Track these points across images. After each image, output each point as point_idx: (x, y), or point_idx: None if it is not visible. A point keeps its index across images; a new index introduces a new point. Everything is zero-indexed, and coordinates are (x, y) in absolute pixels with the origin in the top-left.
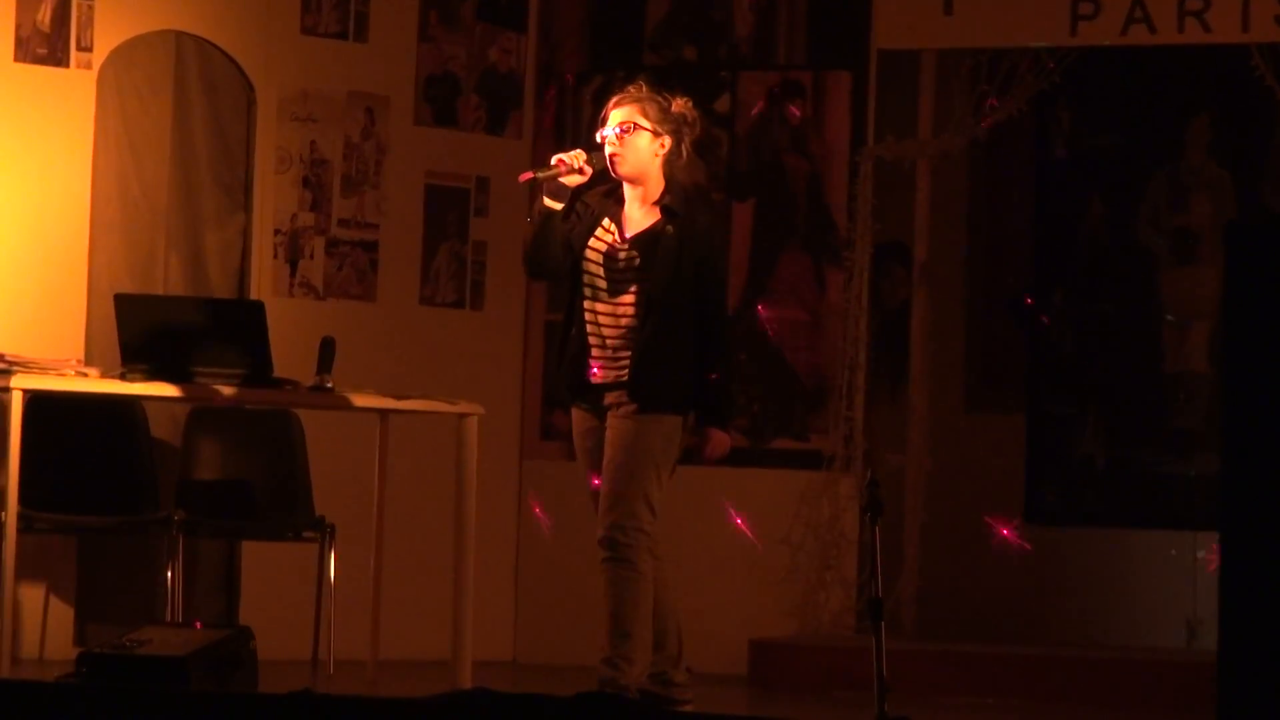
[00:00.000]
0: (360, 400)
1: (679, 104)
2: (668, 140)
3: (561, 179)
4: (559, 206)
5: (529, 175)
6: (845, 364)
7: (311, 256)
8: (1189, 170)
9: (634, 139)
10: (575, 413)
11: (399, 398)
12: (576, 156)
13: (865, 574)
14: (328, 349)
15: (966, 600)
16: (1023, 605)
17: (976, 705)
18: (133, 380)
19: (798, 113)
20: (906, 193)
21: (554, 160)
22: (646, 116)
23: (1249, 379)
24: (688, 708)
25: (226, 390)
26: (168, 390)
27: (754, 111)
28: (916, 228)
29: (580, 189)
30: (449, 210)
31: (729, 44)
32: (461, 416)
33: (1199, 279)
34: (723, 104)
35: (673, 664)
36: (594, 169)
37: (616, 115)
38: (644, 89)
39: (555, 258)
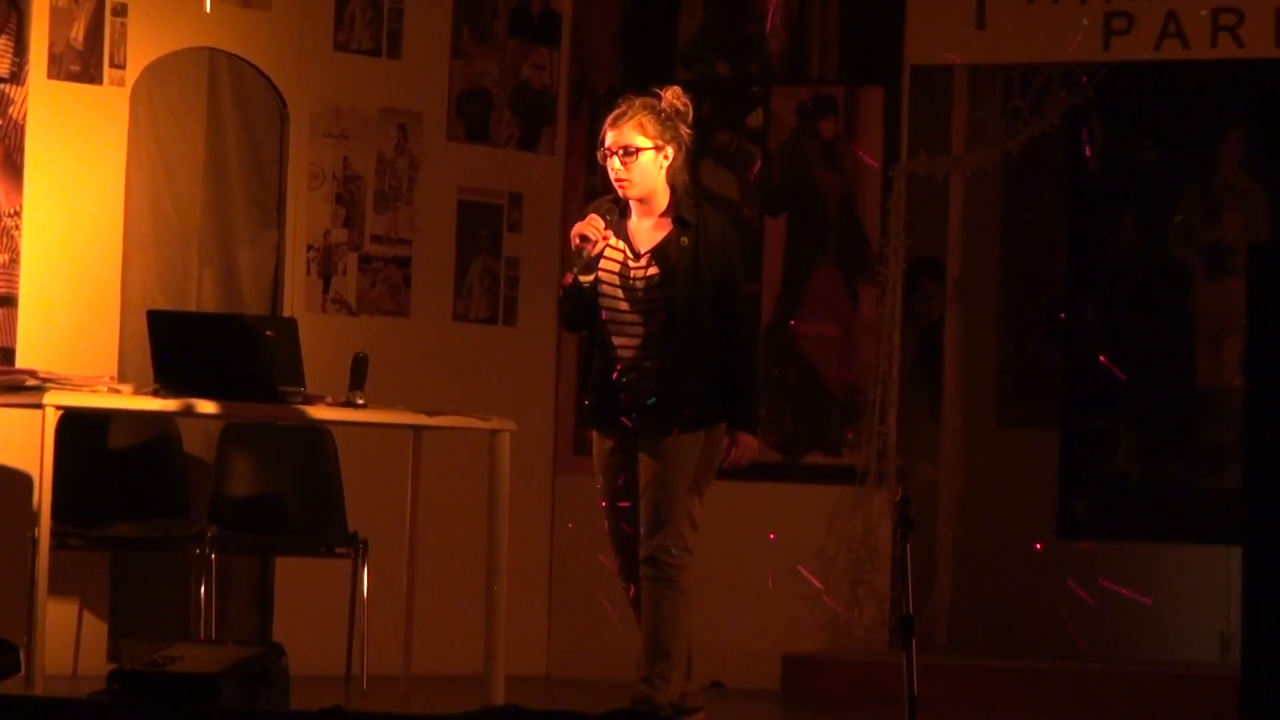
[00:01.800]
0: (393, 416)
1: (668, 97)
2: (670, 149)
3: (591, 255)
4: (591, 278)
5: (570, 278)
6: (878, 379)
7: (344, 272)
8: (1222, 185)
9: (638, 161)
10: (598, 435)
11: (431, 414)
12: (595, 227)
13: (898, 590)
14: (360, 365)
15: (1000, 614)
16: (1056, 620)
17: None
18: (166, 397)
19: (830, 128)
20: (939, 208)
21: (574, 241)
22: (646, 133)
23: (1271, 396)
24: (699, 717)
25: (259, 407)
26: (201, 407)
27: (787, 127)
28: (949, 243)
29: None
30: (482, 226)
31: (762, 59)
32: (494, 432)
33: (1232, 293)
34: (755, 119)
35: (684, 678)
36: (610, 224)
37: (614, 137)
38: (635, 101)
39: (589, 313)
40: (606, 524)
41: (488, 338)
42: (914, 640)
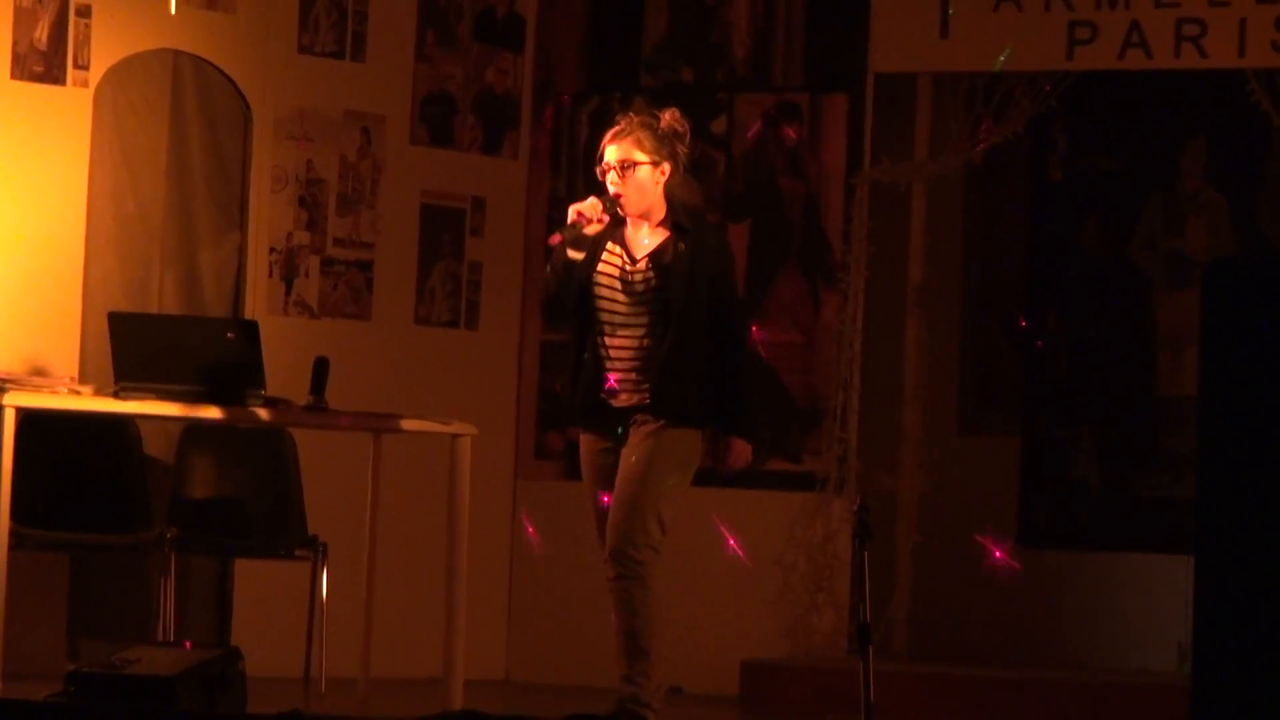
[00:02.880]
0: (353, 420)
1: (667, 118)
2: (667, 165)
3: (584, 230)
4: (581, 256)
5: (558, 238)
6: (839, 385)
7: (307, 275)
8: (1184, 195)
9: (635, 175)
10: (586, 438)
11: (392, 418)
12: (594, 207)
13: (856, 597)
14: (321, 368)
15: (958, 622)
16: (1015, 627)
17: None
18: (126, 398)
19: (794, 135)
20: (902, 215)
21: (571, 214)
22: (643, 149)
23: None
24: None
25: (220, 409)
26: (161, 409)
27: (750, 133)
28: (911, 250)
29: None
30: (444, 230)
31: (726, 66)
32: (455, 436)
33: (1193, 303)
34: (719, 125)
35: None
36: (610, 214)
37: (613, 152)
38: (634, 119)
39: (574, 301)
40: (598, 527)
41: (449, 342)
42: (871, 647)
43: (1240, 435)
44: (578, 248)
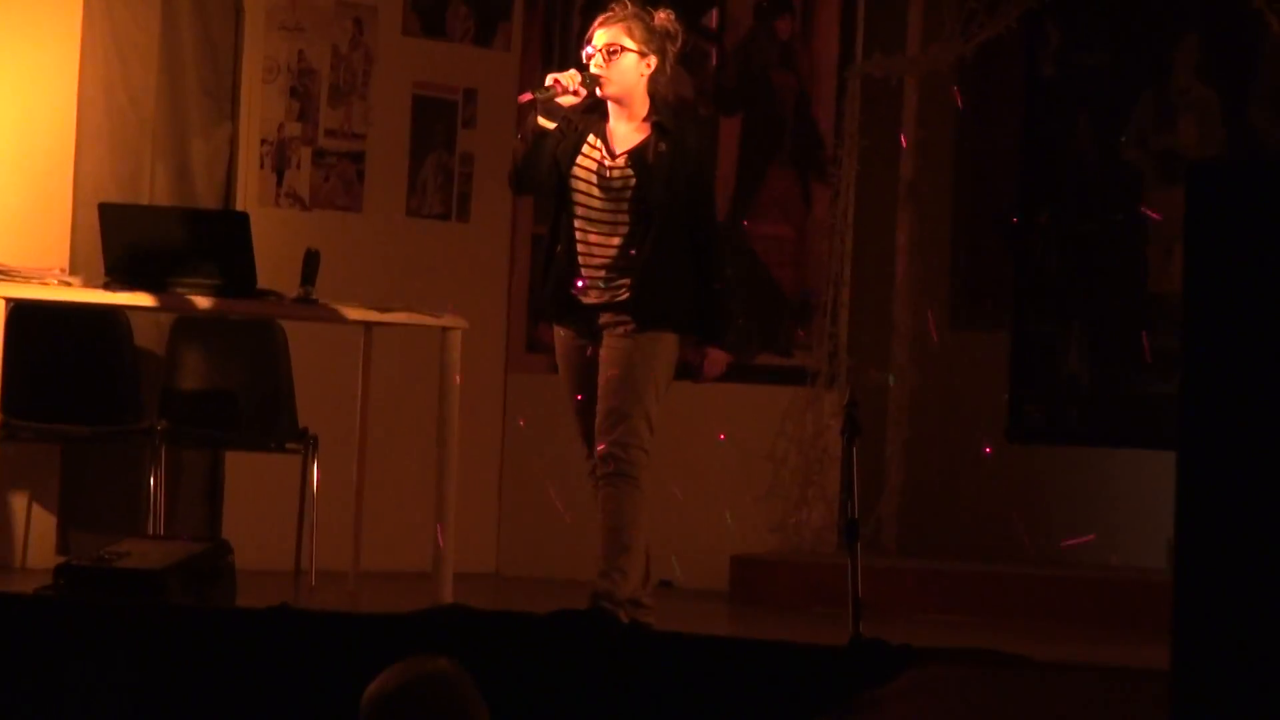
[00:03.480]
0: (344, 312)
1: (661, 18)
2: (653, 59)
3: (558, 99)
4: (552, 125)
5: (529, 96)
6: (830, 280)
7: (298, 167)
8: (1176, 91)
9: (620, 60)
10: (561, 331)
11: (383, 310)
12: (572, 78)
13: (845, 493)
14: (312, 260)
15: (948, 518)
16: (1004, 523)
17: (955, 623)
18: (116, 290)
19: (787, 28)
20: (894, 110)
21: (549, 80)
22: (632, 37)
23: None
24: (650, 617)
25: (209, 301)
26: (151, 300)
27: (743, 27)
28: (903, 145)
29: (574, 109)
30: (436, 122)
31: None
32: (445, 330)
33: (1184, 200)
34: (711, 19)
35: (641, 582)
36: (588, 90)
37: (601, 36)
38: (628, 7)
39: (543, 175)
40: (578, 423)
41: (441, 234)
42: (859, 544)
43: (1225, 336)
44: (550, 117)
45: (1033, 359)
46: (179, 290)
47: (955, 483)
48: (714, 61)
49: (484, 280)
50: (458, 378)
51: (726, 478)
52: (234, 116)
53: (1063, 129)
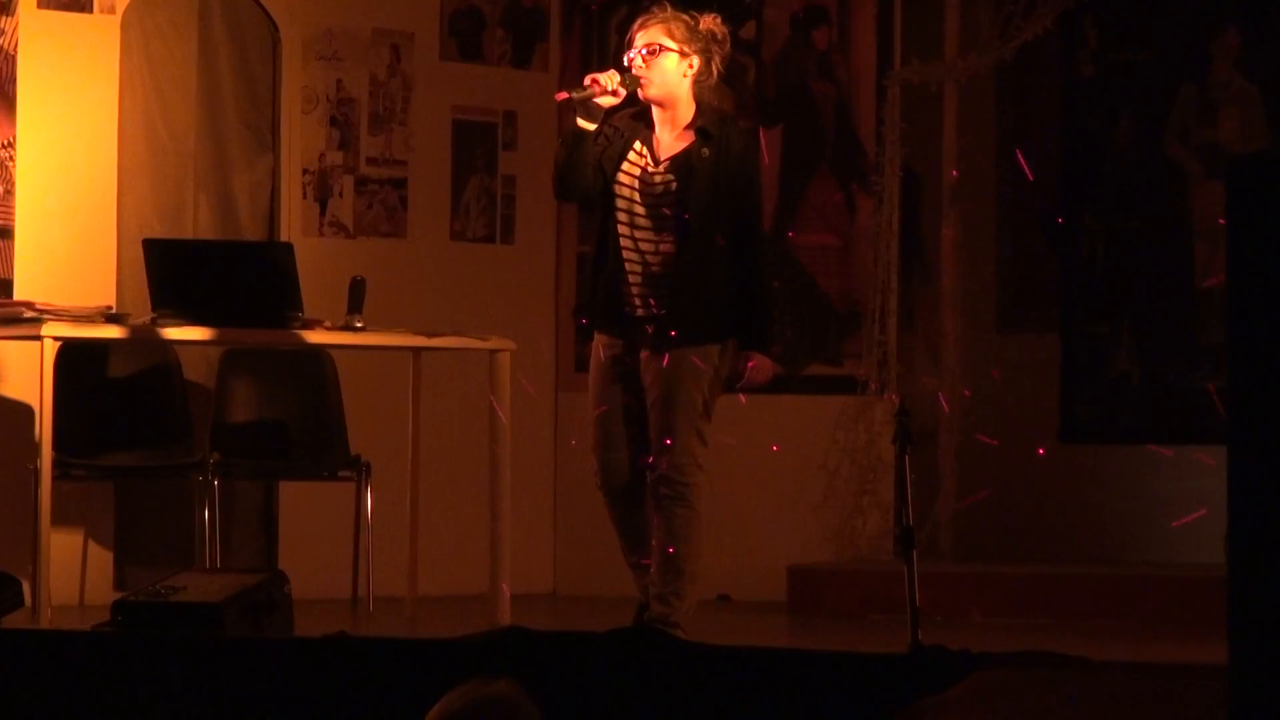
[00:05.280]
0: (392, 339)
1: (707, 21)
2: (696, 60)
3: (596, 100)
4: (592, 127)
5: (565, 95)
6: (877, 288)
7: (341, 195)
8: (1217, 85)
9: (661, 60)
10: (602, 338)
11: (431, 335)
12: (610, 77)
13: (899, 501)
14: (358, 288)
15: (1004, 521)
16: (1059, 524)
17: (1015, 626)
18: (164, 325)
19: (824, 38)
20: (934, 116)
21: (587, 80)
22: (673, 37)
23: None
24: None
25: (257, 333)
26: (199, 334)
27: (780, 38)
28: (945, 150)
29: (613, 110)
30: (477, 145)
31: None
32: (494, 352)
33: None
34: (748, 31)
35: (698, 596)
36: (627, 90)
37: (642, 37)
38: (669, 8)
39: (586, 179)
40: (594, 431)
41: (485, 257)
42: (915, 551)
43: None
44: (589, 118)
45: (1083, 359)
46: (226, 323)
47: (1009, 485)
48: (752, 74)
49: (531, 301)
50: (508, 399)
51: (781, 488)
52: (275, 148)
53: (1104, 128)
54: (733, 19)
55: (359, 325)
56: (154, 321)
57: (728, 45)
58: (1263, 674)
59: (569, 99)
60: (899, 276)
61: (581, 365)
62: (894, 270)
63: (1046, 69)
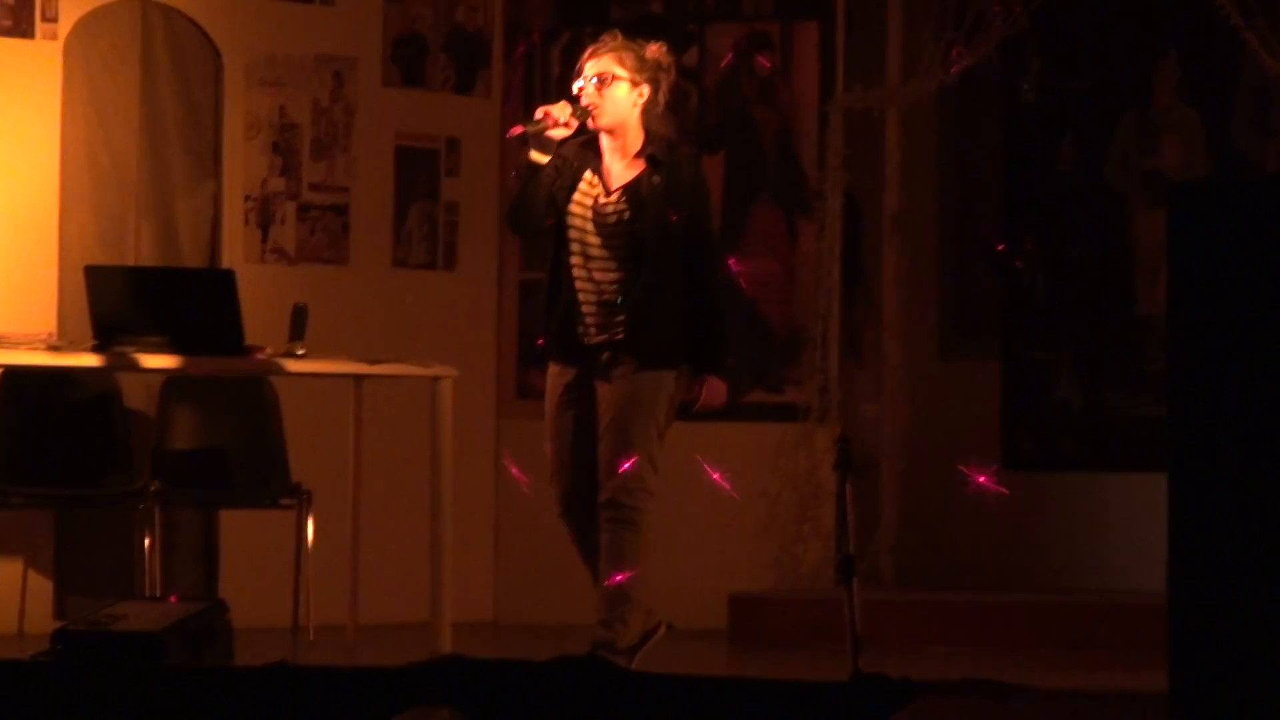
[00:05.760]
0: (334, 366)
1: (653, 49)
2: (645, 89)
3: (548, 133)
4: (545, 160)
5: (519, 130)
6: (819, 315)
7: (283, 222)
8: (1158, 112)
9: (611, 90)
10: (555, 368)
11: (373, 362)
12: (562, 109)
13: (841, 529)
14: (300, 315)
15: (946, 549)
16: (1002, 552)
17: (955, 654)
18: (105, 352)
19: (766, 64)
20: (876, 142)
21: (539, 113)
22: (624, 65)
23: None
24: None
25: (199, 360)
26: (140, 362)
27: (722, 64)
28: (887, 176)
29: (563, 140)
30: (419, 171)
31: None
32: (436, 379)
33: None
34: (691, 57)
35: (643, 622)
36: (579, 121)
37: (592, 66)
38: (618, 37)
39: (540, 213)
40: (551, 459)
41: (428, 284)
42: (856, 579)
43: (1209, 354)
44: (542, 150)
45: (1024, 386)
46: (167, 350)
47: (951, 513)
48: (694, 100)
49: (473, 328)
50: (449, 426)
51: (722, 516)
52: (217, 174)
53: (1046, 155)
54: (676, 46)
55: (301, 352)
56: (95, 349)
57: (674, 73)
58: (1202, 701)
59: (523, 134)
60: (841, 303)
61: (524, 392)
62: (836, 297)
63: (988, 96)
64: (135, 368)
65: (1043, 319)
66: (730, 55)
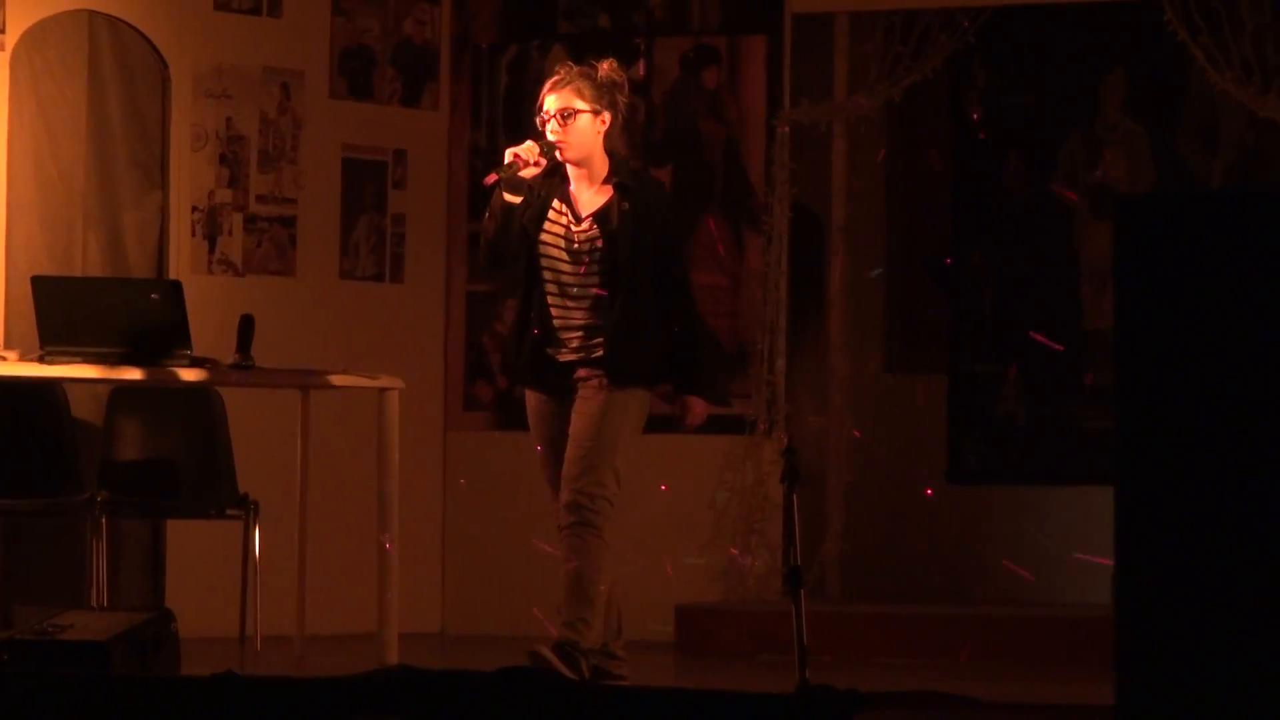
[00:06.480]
0: (281, 377)
1: (604, 69)
2: (606, 115)
3: (520, 174)
4: (518, 200)
5: (493, 177)
6: (766, 328)
7: (230, 233)
8: (1104, 126)
9: (575, 123)
10: (534, 396)
11: (320, 373)
12: (530, 150)
13: (787, 540)
14: (247, 326)
15: (892, 561)
16: (948, 565)
17: (901, 666)
18: (52, 363)
19: (714, 78)
20: (823, 156)
21: (509, 157)
22: (583, 97)
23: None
24: (623, 682)
25: (146, 371)
26: (87, 372)
27: (670, 78)
28: (834, 191)
29: (536, 178)
30: (367, 183)
31: (643, 10)
32: (383, 390)
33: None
34: (638, 71)
35: (614, 635)
36: (547, 159)
37: (553, 102)
38: (573, 69)
39: (514, 246)
40: (545, 472)
41: (375, 295)
42: (803, 590)
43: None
44: (515, 191)
45: (970, 400)
46: (115, 361)
47: (897, 526)
48: (642, 114)
49: (420, 340)
50: (396, 438)
51: (669, 528)
52: (164, 185)
53: (992, 169)
54: (623, 59)
55: (248, 363)
56: (42, 359)
57: (626, 88)
58: (1148, 714)
59: (498, 181)
60: (788, 316)
61: (471, 404)
62: (783, 310)
63: (935, 110)
64: (82, 378)
65: (989, 333)
66: (677, 69)
